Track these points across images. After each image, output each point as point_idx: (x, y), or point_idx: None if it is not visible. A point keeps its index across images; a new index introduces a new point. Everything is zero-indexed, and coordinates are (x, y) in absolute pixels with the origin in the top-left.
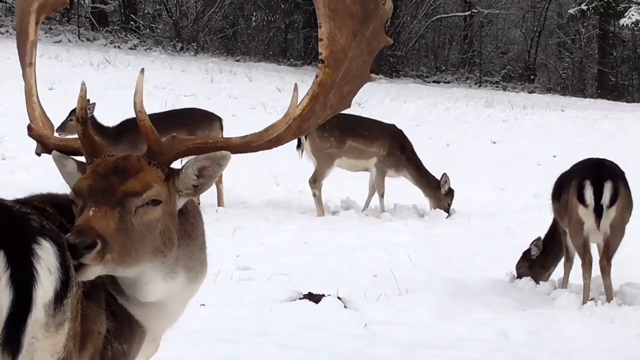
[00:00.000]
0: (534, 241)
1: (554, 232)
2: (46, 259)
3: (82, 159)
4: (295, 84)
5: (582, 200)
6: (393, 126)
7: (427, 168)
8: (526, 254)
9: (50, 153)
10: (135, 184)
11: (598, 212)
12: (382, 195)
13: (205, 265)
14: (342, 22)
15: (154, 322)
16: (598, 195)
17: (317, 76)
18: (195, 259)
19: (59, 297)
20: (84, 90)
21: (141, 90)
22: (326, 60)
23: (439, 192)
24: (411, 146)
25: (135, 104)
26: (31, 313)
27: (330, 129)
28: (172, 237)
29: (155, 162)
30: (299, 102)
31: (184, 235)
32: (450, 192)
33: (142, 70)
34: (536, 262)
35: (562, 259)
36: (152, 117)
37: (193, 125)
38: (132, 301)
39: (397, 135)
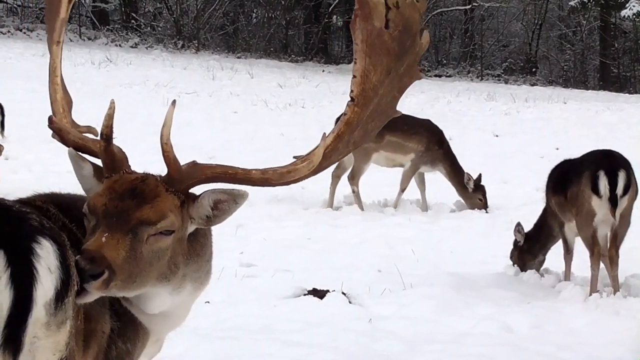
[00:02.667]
0: (515, 227)
1: (543, 223)
2: (46, 258)
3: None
4: (324, 134)
5: (596, 191)
6: (429, 121)
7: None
8: (515, 242)
9: (67, 146)
10: (150, 213)
11: (613, 201)
12: (403, 190)
13: (210, 272)
14: (377, 59)
15: (158, 327)
16: (613, 185)
17: (344, 114)
18: (202, 271)
19: (60, 296)
20: (112, 108)
21: (170, 124)
22: (356, 99)
23: (467, 190)
24: (447, 142)
25: (162, 135)
26: (32, 312)
27: None
28: (178, 263)
29: (173, 189)
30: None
31: (193, 255)
32: (479, 189)
33: (174, 102)
34: (523, 249)
35: (553, 250)
36: None
37: None
38: (136, 307)
39: (434, 130)
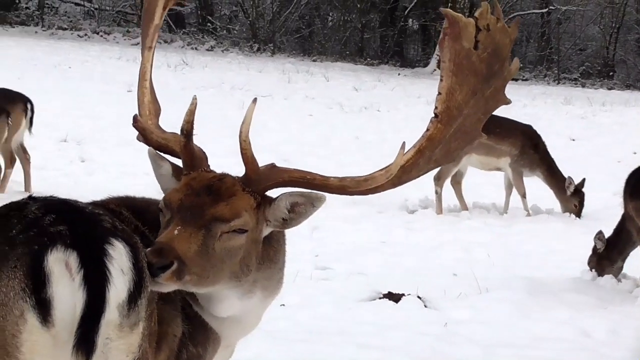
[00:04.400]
0: (596, 235)
1: (622, 229)
2: (119, 260)
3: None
4: (403, 143)
5: None
6: (527, 125)
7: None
8: (594, 249)
9: (150, 146)
10: (225, 210)
11: None
12: (523, 196)
13: (282, 282)
14: (464, 79)
15: (229, 332)
16: None
17: (427, 129)
18: (273, 279)
19: (133, 297)
20: (194, 104)
21: (249, 121)
22: (440, 115)
23: (565, 194)
24: (544, 146)
25: (241, 132)
26: (104, 314)
27: None
28: (251, 265)
29: (249, 189)
30: (404, 153)
31: (266, 260)
32: (577, 194)
33: (255, 100)
34: (603, 256)
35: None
36: None
37: None
38: (206, 312)
39: (529, 134)
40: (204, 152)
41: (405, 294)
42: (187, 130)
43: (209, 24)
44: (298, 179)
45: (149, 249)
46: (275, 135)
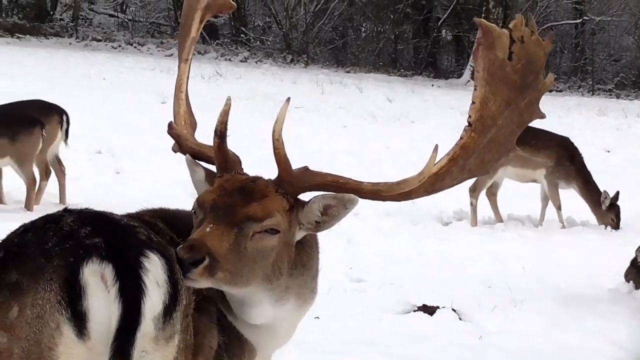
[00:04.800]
0: (638, 248)
1: None
2: (154, 272)
3: (214, 167)
4: (436, 145)
5: None
6: (563, 137)
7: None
8: (634, 261)
9: (184, 154)
10: (257, 209)
11: None
12: (559, 208)
13: (316, 291)
14: (497, 89)
15: (263, 343)
16: None
17: (461, 138)
18: (306, 287)
19: (168, 310)
20: (228, 104)
21: (282, 120)
22: (473, 125)
23: (601, 208)
24: (581, 158)
25: (274, 131)
26: (140, 326)
27: None
28: (283, 267)
29: (282, 191)
30: (438, 160)
31: (299, 265)
32: (612, 208)
33: (288, 99)
34: None
35: None
36: None
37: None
38: (240, 320)
39: (565, 146)
40: (237, 156)
41: (440, 306)
42: (221, 130)
43: (242, 35)
44: (331, 183)
45: (180, 246)
46: (308, 146)
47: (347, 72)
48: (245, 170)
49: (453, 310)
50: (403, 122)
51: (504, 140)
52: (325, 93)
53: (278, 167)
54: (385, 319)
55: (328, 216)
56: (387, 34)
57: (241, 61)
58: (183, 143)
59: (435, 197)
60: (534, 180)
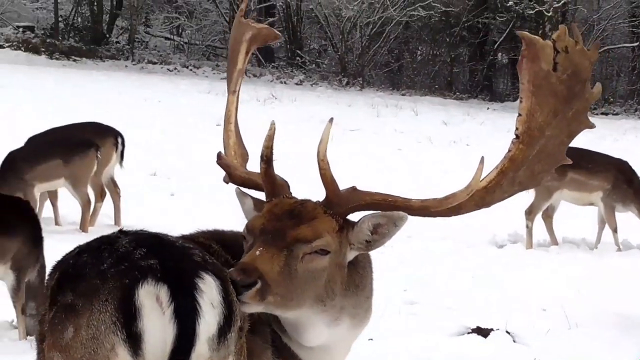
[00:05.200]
0: None
1: None
2: (209, 294)
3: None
4: (482, 157)
5: None
6: (620, 160)
7: None
8: None
9: (235, 183)
10: (306, 231)
11: None
12: (615, 231)
13: (370, 311)
14: (544, 100)
15: None
16: None
17: (509, 150)
18: (361, 307)
19: (223, 331)
20: (272, 129)
21: (326, 140)
22: (521, 137)
23: None
24: (639, 180)
25: (318, 152)
26: (195, 347)
27: None
28: (336, 288)
29: (331, 212)
30: (487, 174)
31: (352, 286)
32: None
33: (331, 119)
34: None
35: None
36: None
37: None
38: (294, 342)
39: (623, 169)
40: (285, 180)
41: (494, 329)
42: (267, 155)
43: (298, 58)
44: (380, 202)
45: (232, 268)
46: (363, 169)
47: (403, 95)
48: (295, 194)
49: (507, 332)
50: (459, 145)
51: (554, 151)
52: (381, 116)
53: (325, 188)
54: (439, 341)
55: (378, 235)
56: (443, 57)
57: (296, 84)
58: (232, 173)
59: (489, 220)
60: (591, 203)
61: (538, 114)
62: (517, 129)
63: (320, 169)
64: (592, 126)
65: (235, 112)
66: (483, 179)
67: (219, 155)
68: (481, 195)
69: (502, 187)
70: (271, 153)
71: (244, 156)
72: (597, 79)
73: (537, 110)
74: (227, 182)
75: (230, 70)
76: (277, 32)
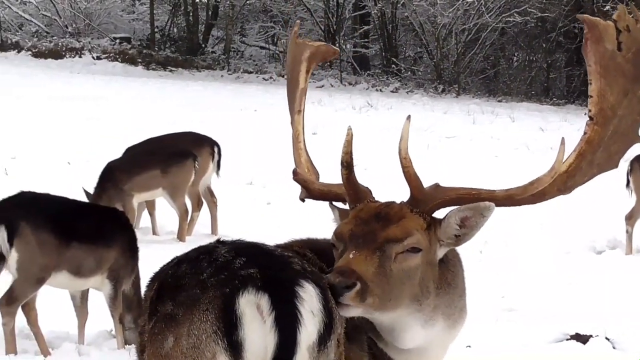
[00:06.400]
0: None
1: None
2: (309, 302)
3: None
4: (562, 138)
5: None
6: None
7: None
8: None
9: (313, 198)
10: (396, 231)
11: None
12: None
13: (465, 311)
14: (612, 80)
15: None
16: None
17: (585, 133)
18: (454, 306)
19: (323, 339)
20: (349, 134)
21: (407, 137)
22: (595, 118)
23: None
24: None
25: (400, 150)
26: (296, 355)
27: None
28: (430, 286)
29: (417, 210)
30: (565, 157)
31: (444, 284)
32: None
33: (409, 117)
34: None
35: None
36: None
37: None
38: (391, 346)
39: None
40: (367, 187)
41: (593, 335)
42: (347, 161)
43: (393, 66)
44: (464, 196)
45: (329, 273)
46: (459, 176)
47: (499, 101)
48: (390, 197)
49: (607, 339)
50: (556, 152)
51: (627, 130)
52: (477, 123)
53: (409, 185)
54: (537, 347)
55: (467, 228)
56: (539, 63)
57: (392, 92)
58: (310, 187)
59: (587, 226)
60: None
61: (609, 94)
62: (590, 110)
63: (403, 166)
64: None
65: (302, 131)
66: (564, 163)
67: (294, 171)
68: (563, 180)
69: (582, 170)
70: (351, 159)
71: (316, 174)
72: None
73: (607, 90)
74: (303, 199)
75: (292, 91)
76: (334, 47)
